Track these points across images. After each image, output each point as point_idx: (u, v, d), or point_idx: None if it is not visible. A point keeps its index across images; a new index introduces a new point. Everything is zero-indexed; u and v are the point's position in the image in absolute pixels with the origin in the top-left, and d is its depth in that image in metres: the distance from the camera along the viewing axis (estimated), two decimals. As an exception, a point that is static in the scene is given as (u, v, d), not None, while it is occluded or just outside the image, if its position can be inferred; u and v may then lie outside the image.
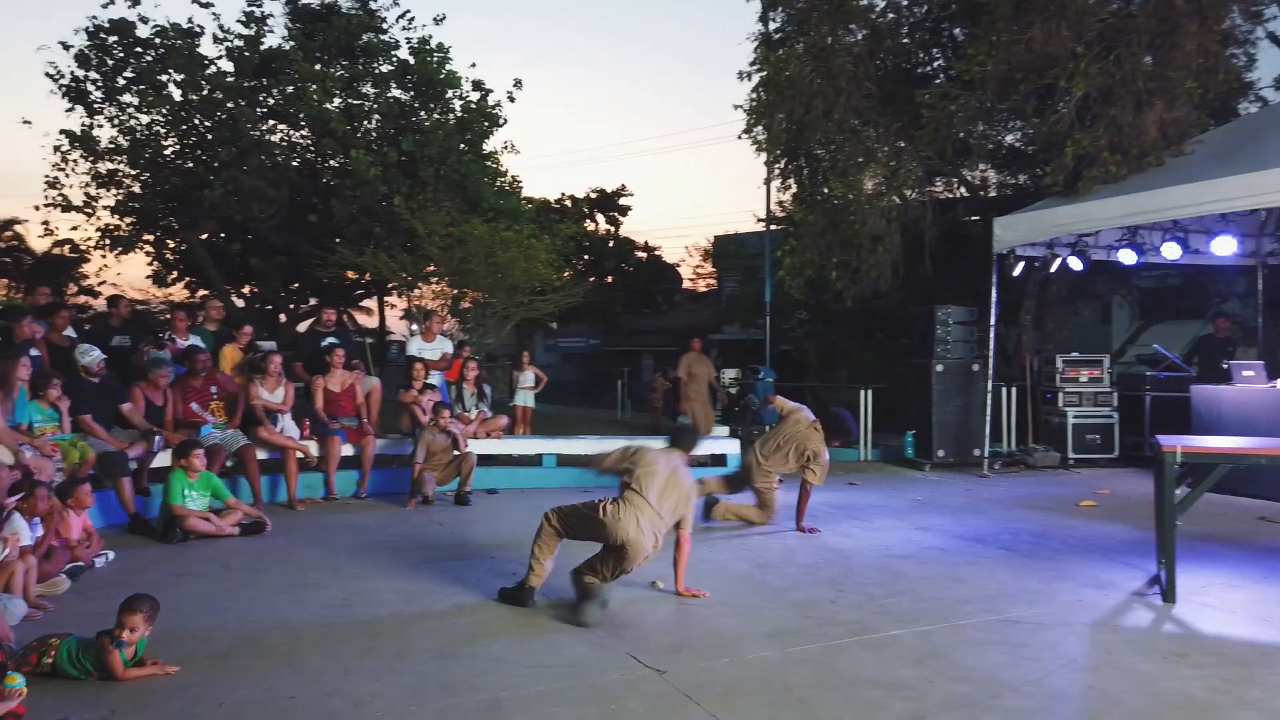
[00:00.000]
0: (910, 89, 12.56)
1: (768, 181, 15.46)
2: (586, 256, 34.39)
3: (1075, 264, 11.23)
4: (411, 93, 17.93)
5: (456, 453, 8.77)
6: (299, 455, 8.49)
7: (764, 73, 13.45)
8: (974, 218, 14.29)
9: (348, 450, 8.81)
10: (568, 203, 36.06)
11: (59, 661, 4.06)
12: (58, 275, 24.94)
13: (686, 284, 42.76)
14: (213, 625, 4.90)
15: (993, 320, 11.19)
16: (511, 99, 18.69)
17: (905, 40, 13.99)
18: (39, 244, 27.43)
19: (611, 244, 38.08)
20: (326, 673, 4.22)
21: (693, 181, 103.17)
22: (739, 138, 13.76)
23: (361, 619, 5.03)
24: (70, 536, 5.93)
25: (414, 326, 13.09)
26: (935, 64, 14.23)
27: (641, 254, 39.53)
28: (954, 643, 4.62)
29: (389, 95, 17.64)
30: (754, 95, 13.64)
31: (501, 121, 18.14)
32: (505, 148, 18.66)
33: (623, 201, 38.68)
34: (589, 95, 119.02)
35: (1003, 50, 11.00)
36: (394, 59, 17.56)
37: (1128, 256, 10.95)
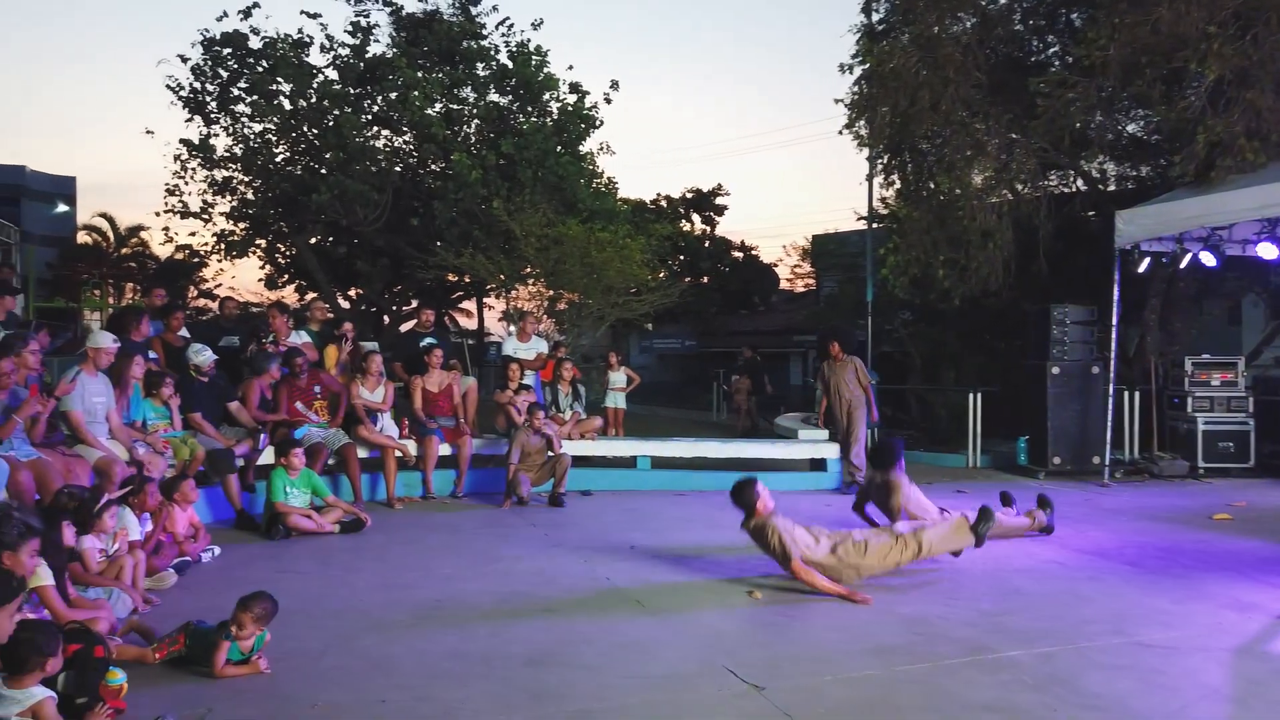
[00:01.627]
0: (1023, 78, 11.95)
1: (870, 177, 14.99)
2: (682, 257, 34.26)
3: (1208, 259, 10.44)
4: (510, 96, 18.15)
5: (551, 454, 8.72)
6: (398, 454, 8.58)
7: (866, 65, 13.04)
8: (1092, 213, 13.53)
9: (445, 450, 8.87)
10: (663, 203, 36.05)
11: (189, 644, 4.17)
12: (178, 279, 26.25)
13: (784, 284, 42.17)
14: (309, 624, 4.92)
15: (1114, 320, 10.53)
16: (608, 100, 18.74)
17: (1018, 26, 13.35)
18: (163, 250, 28.83)
19: (707, 244, 37.86)
20: (416, 676, 4.16)
21: (790, 180, 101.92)
22: (839, 133, 13.38)
23: (453, 621, 4.97)
24: (177, 531, 6.09)
25: (511, 327, 13.17)
26: (1050, 50, 13.54)
27: (738, 254, 39.17)
28: (1079, 666, 4.26)
29: (488, 99, 17.90)
30: (856, 89, 13.24)
31: (598, 123, 18.21)
32: (601, 149, 18.73)
33: (719, 201, 38.43)
34: (686, 95, 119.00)
35: (1126, 33, 10.33)
36: (493, 64, 17.80)
37: (1268, 251, 10.13)
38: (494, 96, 18.13)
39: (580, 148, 18.25)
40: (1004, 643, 4.59)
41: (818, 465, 10.28)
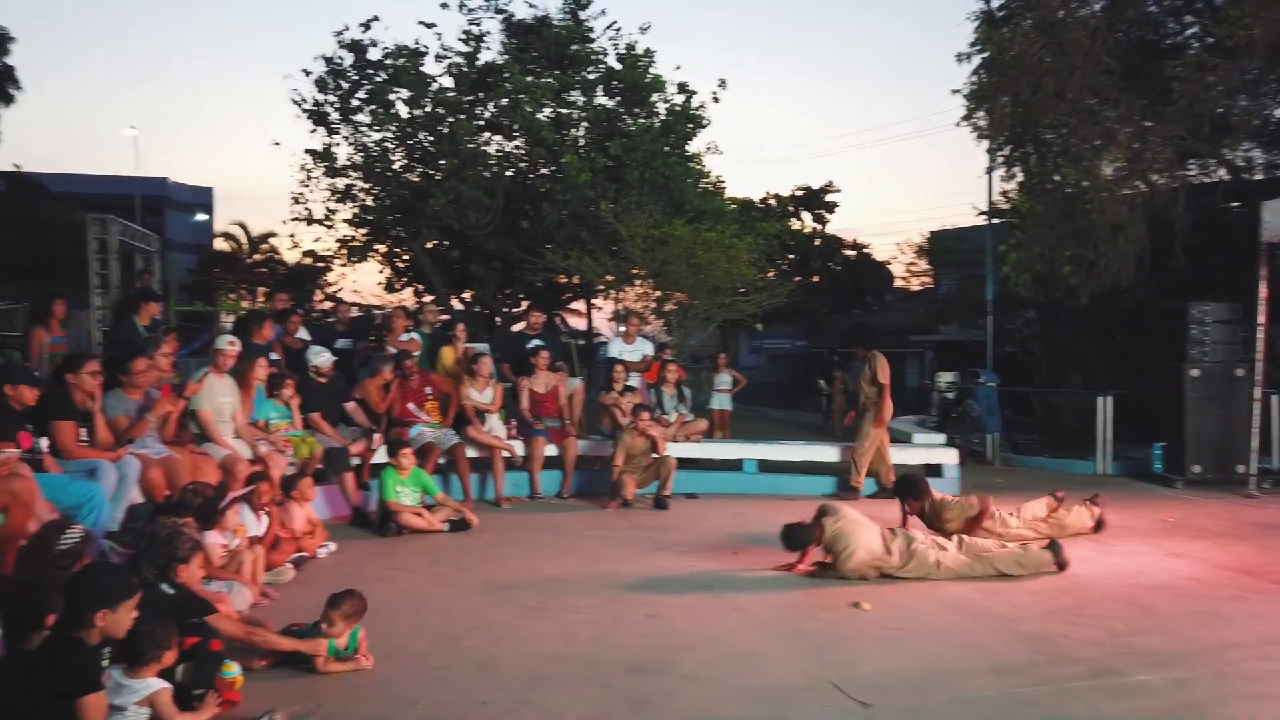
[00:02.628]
0: (1157, 61, 11.25)
1: (990, 170, 14.42)
2: (791, 256, 33.73)
3: (1370, 252, 9.57)
4: (618, 98, 18.23)
5: (656, 455, 8.68)
6: (505, 454, 8.70)
7: (986, 53, 12.51)
8: (1236, 204, 12.61)
9: (551, 450, 8.94)
10: (772, 201, 35.57)
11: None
12: (304, 283, 27.48)
13: (899, 282, 41.01)
14: (416, 621, 5.01)
15: (1260, 319, 9.76)
16: (715, 99, 18.58)
17: (1151, 8, 12.59)
18: (290, 255, 30.19)
19: (818, 242, 37.17)
20: (518, 679, 4.16)
21: (904, 175, 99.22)
22: (957, 125, 12.92)
23: (555, 623, 4.97)
24: (295, 527, 6.31)
25: (620, 329, 13.23)
26: (1188, 31, 12.71)
27: (849, 252, 38.32)
28: (1218, 694, 3.93)
29: (596, 102, 18.02)
30: (974, 78, 12.72)
31: (705, 123, 18.08)
32: (708, 148, 18.58)
33: (829, 198, 37.67)
34: (795, 90, 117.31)
35: (1273, 10, 9.58)
36: (601, 67, 17.91)
37: None
38: (602, 99, 18.24)
39: (687, 148, 18.16)
40: (1134, 666, 4.27)
41: (933, 471, 9.89)
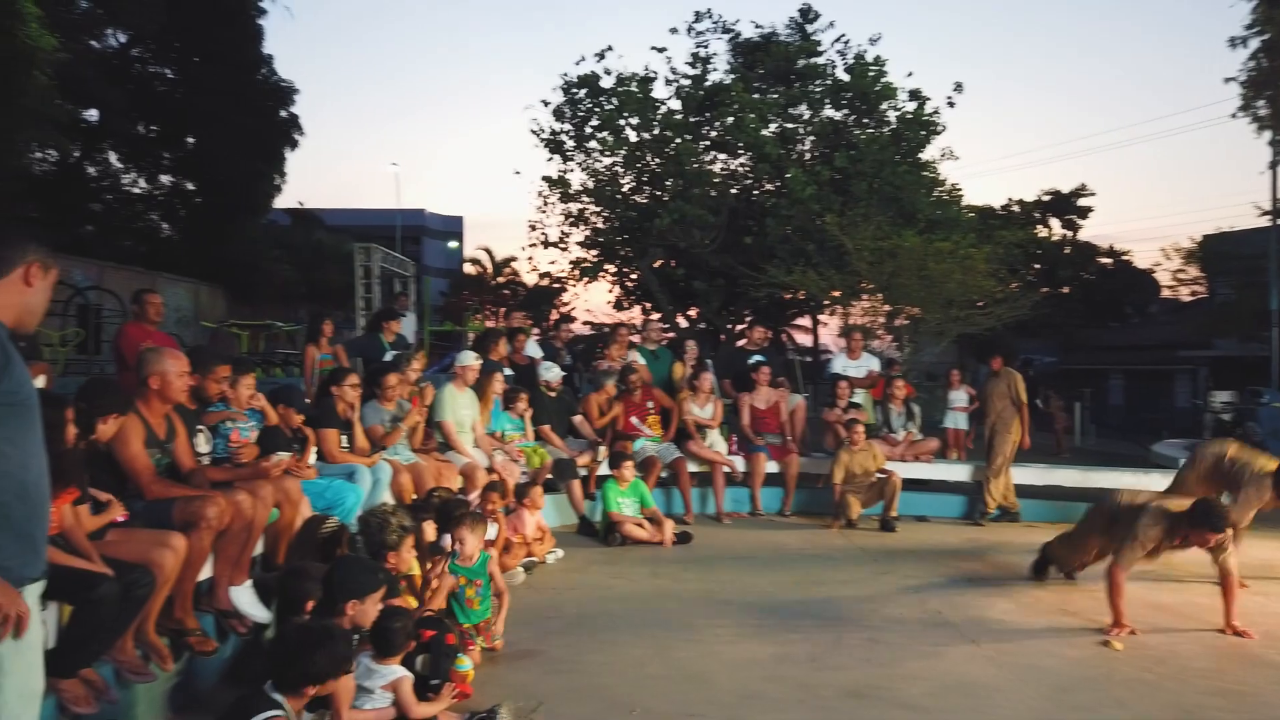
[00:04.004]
0: None
1: (1273, 165, 12.78)
2: (1037, 265, 31.51)
3: None
4: (845, 110, 17.96)
5: (881, 475, 8.36)
6: (726, 470, 8.71)
7: (1266, 35, 11.15)
8: None
9: (772, 467, 8.84)
10: (1015, 208, 33.50)
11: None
12: (541, 303, 29.08)
13: (1165, 293, 37.16)
14: (634, 630, 5.11)
15: None
16: (951, 104, 17.88)
17: None
18: (529, 277, 32.01)
19: (1068, 250, 34.49)
20: (731, 694, 4.14)
21: (1168, 175, 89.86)
22: (1232, 116, 11.58)
23: (772, 642, 4.90)
24: (526, 533, 6.64)
25: (845, 344, 12.91)
26: None
27: (1105, 260, 35.24)
28: None
29: (823, 115, 17.85)
30: (1252, 63, 11.37)
31: (939, 129, 17.41)
32: (943, 155, 17.84)
33: (1081, 203, 34.92)
34: (1039, 90, 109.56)
35: None
36: (829, 79, 17.72)
37: None
38: (829, 112, 18.05)
39: (920, 156, 17.57)
40: None
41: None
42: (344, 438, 5.85)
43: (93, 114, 21.22)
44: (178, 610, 3.89)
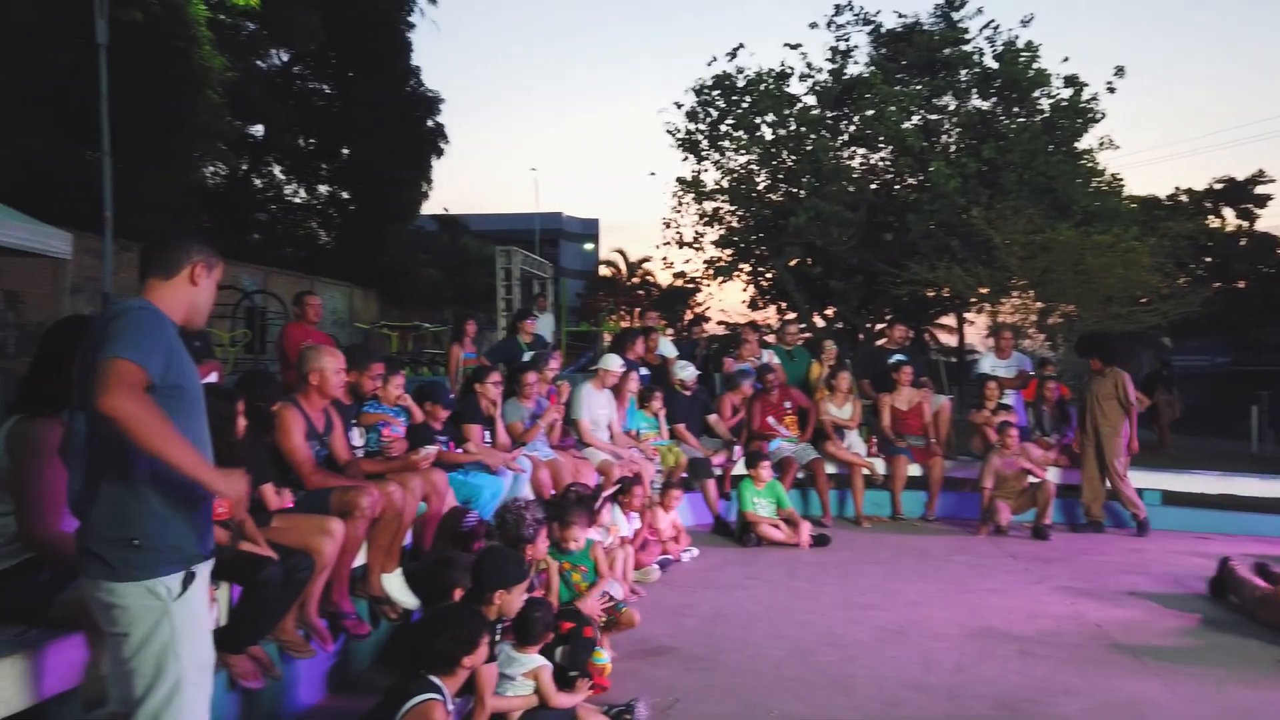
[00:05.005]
0: None
1: None
2: (1208, 259, 29.33)
3: None
4: (994, 99, 17.24)
5: (1033, 480, 7.95)
6: (865, 472, 8.48)
7: None
8: None
9: (914, 470, 8.55)
10: (1183, 197, 31.31)
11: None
12: (675, 303, 29.19)
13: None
14: (772, 631, 5.04)
15: None
16: (1111, 89, 16.92)
17: None
18: (663, 277, 32.25)
19: (1243, 241, 31.93)
20: (874, 701, 4.03)
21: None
22: None
23: (916, 649, 4.73)
24: (662, 531, 6.66)
25: (993, 343, 12.36)
26: None
27: (1288, 252, 32.45)
28: None
29: (969, 105, 17.20)
30: None
31: (1097, 116, 16.47)
32: (1101, 144, 16.86)
33: (1259, 190, 32.26)
34: (1208, 72, 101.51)
35: None
36: (976, 68, 17.04)
37: None
38: (976, 101, 17.37)
39: (1076, 145, 16.67)
40: None
41: None
42: (486, 433, 6.02)
43: (258, 129, 22.73)
44: (334, 594, 4.10)
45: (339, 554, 3.92)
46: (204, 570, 2.51)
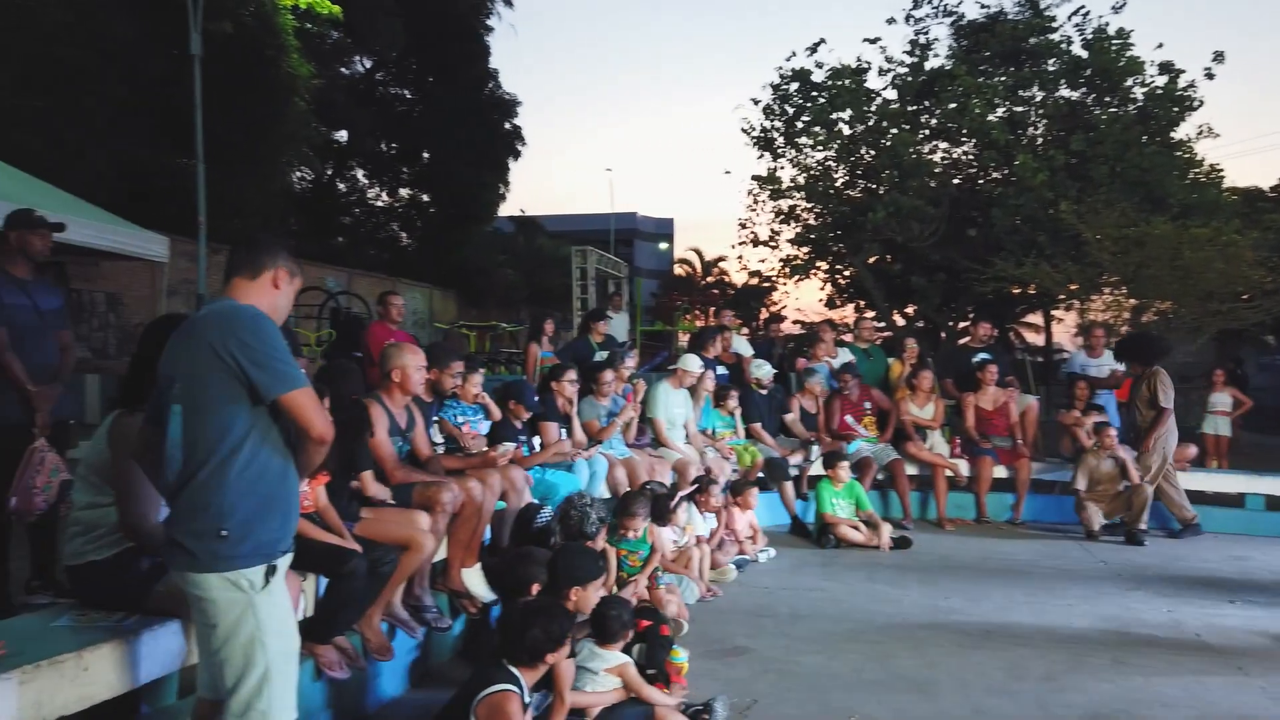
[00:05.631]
0: None
1: None
2: (1317, 253, 27.81)
3: None
4: (1083, 89, 16.63)
5: (1127, 483, 7.64)
6: (948, 473, 8.27)
7: None
8: None
9: (1000, 472, 8.30)
10: (1289, 189, 29.76)
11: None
12: (750, 302, 28.99)
13: None
14: (851, 634, 4.95)
15: None
16: (1210, 76, 16.09)
17: None
18: (739, 277, 32.06)
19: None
20: (959, 707, 3.92)
21: None
22: None
23: (1002, 655, 4.58)
24: (738, 530, 6.61)
25: (1083, 341, 11.94)
26: None
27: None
28: None
29: (1056, 96, 16.63)
30: None
31: (1195, 104, 15.72)
32: (1200, 133, 16.08)
33: (1374, 180, 30.44)
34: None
35: None
36: (1064, 57, 16.46)
37: None
38: (1064, 92, 16.78)
39: (1172, 135, 15.95)
40: None
41: None
42: (563, 431, 6.05)
43: (342, 135, 23.38)
44: (415, 588, 4.17)
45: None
46: (284, 563, 2.57)
